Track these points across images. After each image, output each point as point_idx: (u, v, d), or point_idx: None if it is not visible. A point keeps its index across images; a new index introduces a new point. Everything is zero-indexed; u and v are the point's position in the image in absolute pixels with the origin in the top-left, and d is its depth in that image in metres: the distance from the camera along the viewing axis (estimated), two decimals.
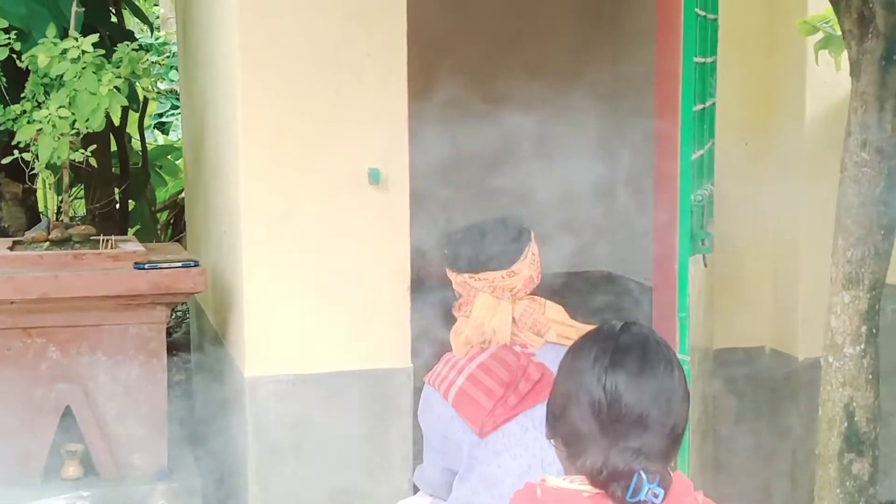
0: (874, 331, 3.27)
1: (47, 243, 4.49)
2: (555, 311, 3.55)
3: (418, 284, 4.29)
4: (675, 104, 3.44)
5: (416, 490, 3.89)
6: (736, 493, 4.13)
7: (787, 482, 4.34)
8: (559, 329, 3.45)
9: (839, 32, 3.34)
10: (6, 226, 5.38)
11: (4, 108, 4.46)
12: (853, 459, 3.27)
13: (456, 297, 3.60)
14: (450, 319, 3.67)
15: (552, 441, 2.22)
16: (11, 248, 4.48)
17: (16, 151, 4.45)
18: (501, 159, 5.77)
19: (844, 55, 3.34)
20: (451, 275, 3.57)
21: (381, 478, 4.17)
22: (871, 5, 3.18)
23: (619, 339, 2.21)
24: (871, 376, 3.27)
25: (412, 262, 4.26)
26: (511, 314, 3.47)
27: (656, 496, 2.04)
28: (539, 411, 2.30)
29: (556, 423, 2.18)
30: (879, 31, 3.17)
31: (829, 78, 3.96)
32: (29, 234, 4.70)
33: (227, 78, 4.27)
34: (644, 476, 2.04)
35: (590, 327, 2.59)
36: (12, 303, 4.15)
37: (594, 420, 2.11)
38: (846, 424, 3.26)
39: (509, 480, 3.24)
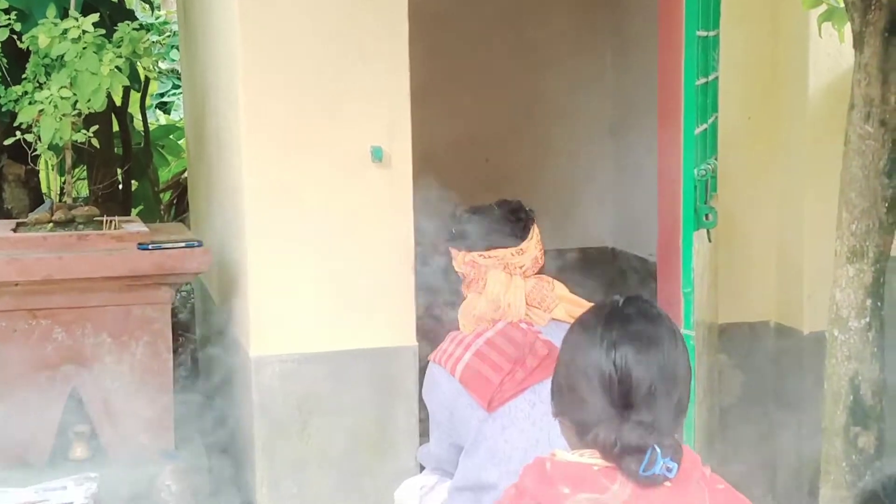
0: (879, 304, 3.28)
1: (51, 225, 4.49)
2: (558, 288, 3.58)
3: (422, 263, 4.30)
4: (677, 78, 3.43)
5: (422, 469, 3.91)
6: (742, 467, 4.14)
7: (793, 456, 4.35)
8: (567, 307, 3.47)
9: (842, 4, 3.34)
10: (9, 207, 5.39)
11: (6, 89, 4.47)
12: (859, 433, 3.28)
13: (461, 277, 3.62)
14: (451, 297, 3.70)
15: (559, 418, 2.23)
16: (15, 230, 4.49)
17: (18, 133, 4.46)
18: (503, 136, 5.75)
19: (847, 27, 3.33)
20: (458, 254, 3.59)
21: (387, 456, 4.18)
22: None
23: (625, 313, 2.21)
24: (876, 350, 3.28)
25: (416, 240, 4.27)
26: (524, 291, 3.50)
27: (669, 470, 2.05)
28: (546, 386, 2.30)
29: (564, 400, 2.18)
30: (883, 2, 3.17)
31: (833, 50, 3.96)
32: (32, 216, 4.70)
33: (228, 57, 4.27)
34: (658, 450, 2.05)
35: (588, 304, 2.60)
36: (17, 284, 4.16)
37: (605, 395, 2.11)
38: (852, 398, 3.27)
39: (517, 455, 3.26)
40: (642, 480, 2.06)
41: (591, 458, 2.13)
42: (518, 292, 3.47)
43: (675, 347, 2.18)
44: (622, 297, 2.28)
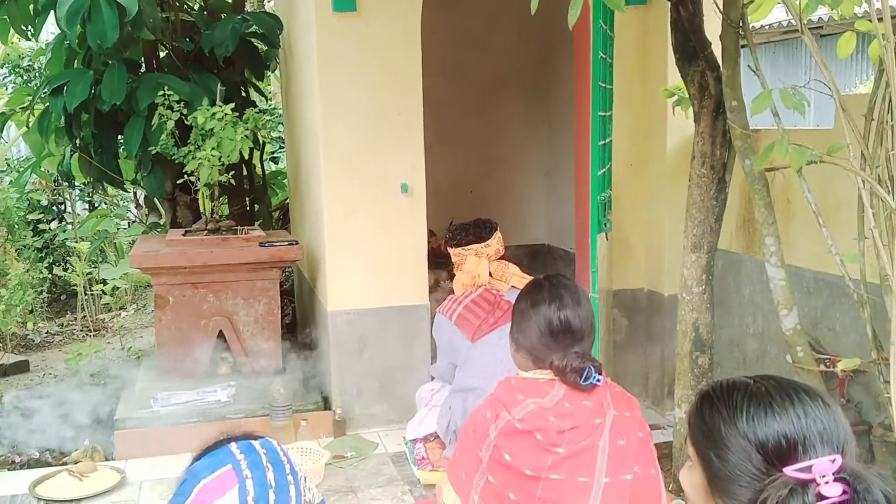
0: (710, 277, 3.28)
1: (206, 231, 4.50)
2: (514, 268, 3.61)
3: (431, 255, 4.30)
4: (587, 142, 3.44)
5: (432, 378, 3.91)
6: (626, 378, 4.14)
7: (658, 371, 4.36)
8: (518, 280, 3.49)
9: (687, 95, 3.33)
10: (181, 221, 5.39)
11: (178, 149, 4.47)
12: (698, 356, 3.28)
13: (452, 264, 3.67)
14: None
15: (515, 351, 2.22)
16: (184, 235, 4.49)
17: (186, 175, 4.46)
18: (479, 177, 5.75)
19: (690, 110, 3.33)
20: (450, 249, 3.65)
21: (411, 370, 4.18)
22: (706, 79, 3.17)
23: (558, 284, 2.21)
24: (708, 305, 3.29)
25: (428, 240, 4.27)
26: (488, 268, 3.53)
27: (599, 380, 2.07)
28: (507, 329, 2.30)
29: (522, 341, 2.18)
30: (711, 94, 3.17)
31: (682, 123, 3.96)
32: (195, 226, 4.71)
33: (312, 128, 4.26)
34: (593, 368, 2.07)
35: (531, 278, 2.60)
36: (185, 268, 4.17)
37: (553, 336, 2.12)
38: (694, 334, 3.28)
39: (490, 368, 3.28)
40: (582, 388, 2.06)
41: (539, 374, 2.13)
42: (483, 269, 3.53)
43: (588, 304, 2.19)
44: (552, 275, 2.28)
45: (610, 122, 3.59)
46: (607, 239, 3.70)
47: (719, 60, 3.08)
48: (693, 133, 3.28)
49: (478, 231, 3.60)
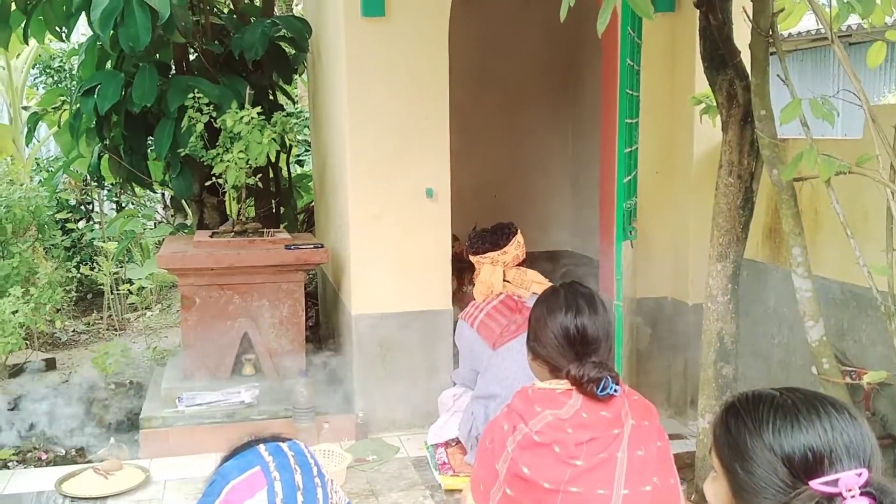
0: (735, 287, 3.26)
1: (233, 233, 4.54)
2: (533, 274, 3.62)
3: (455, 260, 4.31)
4: (613, 149, 3.43)
5: (454, 384, 3.91)
6: (649, 387, 4.12)
7: (681, 381, 4.33)
8: (537, 287, 3.49)
9: (715, 104, 3.32)
10: (208, 223, 5.44)
11: (207, 151, 4.51)
12: (723, 366, 3.26)
13: (474, 269, 3.67)
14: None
15: (532, 360, 2.20)
16: (211, 237, 4.53)
17: (213, 178, 4.50)
18: (503, 182, 5.75)
19: (718, 118, 3.32)
20: (470, 256, 3.65)
21: (433, 375, 4.19)
22: (734, 87, 3.16)
23: (575, 292, 2.19)
24: (733, 315, 3.27)
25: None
26: (502, 277, 3.54)
27: (616, 391, 2.05)
28: None
29: (539, 350, 2.16)
30: (740, 103, 3.16)
31: (709, 131, 3.94)
32: (222, 228, 4.75)
33: (339, 132, 4.29)
34: (610, 378, 2.05)
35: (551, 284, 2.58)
36: (212, 269, 4.20)
37: (569, 347, 2.10)
38: (718, 344, 3.26)
39: (511, 376, 3.27)
40: (600, 398, 2.04)
41: (555, 384, 2.12)
42: (497, 278, 3.53)
43: (605, 312, 2.17)
44: (568, 282, 2.26)
45: (636, 130, 3.58)
46: (632, 247, 3.69)
47: (748, 69, 3.07)
48: (720, 142, 3.26)
49: (494, 238, 3.59)
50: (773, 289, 3.80)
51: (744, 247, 3.26)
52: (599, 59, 3.94)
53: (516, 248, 3.58)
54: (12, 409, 4.23)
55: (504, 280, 3.56)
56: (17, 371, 4.79)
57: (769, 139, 2.96)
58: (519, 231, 3.64)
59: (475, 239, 3.65)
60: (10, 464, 4.01)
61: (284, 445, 1.37)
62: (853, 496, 1.15)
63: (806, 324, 2.95)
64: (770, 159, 2.98)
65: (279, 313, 4.28)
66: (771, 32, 2.93)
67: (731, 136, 3.18)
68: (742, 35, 3.11)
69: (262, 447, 1.35)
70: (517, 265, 3.60)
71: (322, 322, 5.59)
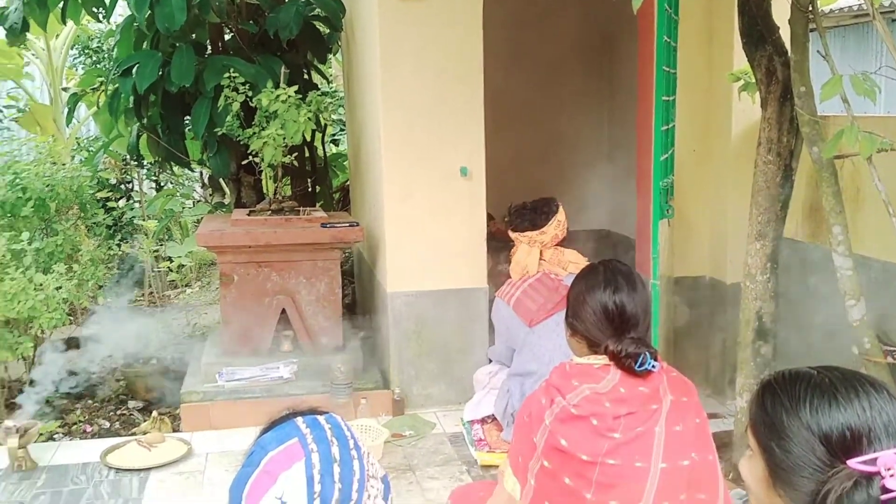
0: (775, 266, 3.24)
1: (269, 212, 4.57)
2: (570, 254, 3.60)
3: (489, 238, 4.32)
4: (650, 127, 3.40)
5: (489, 361, 3.93)
6: (687, 366, 4.11)
7: (719, 360, 4.32)
8: (573, 268, 3.48)
9: (753, 80, 3.28)
10: (245, 201, 5.49)
11: (243, 130, 4.54)
12: (761, 345, 3.25)
13: (509, 247, 3.67)
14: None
15: (570, 336, 2.22)
16: (248, 215, 4.57)
17: (250, 156, 4.54)
18: (538, 158, 5.71)
19: (757, 95, 3.28)
20: (510, 233, 3.64)
21: (468, 353, 4.21)
22: (773, 63, 3.12)
23: (614, 270, 2.20)
24: (772, 294, 3.25)
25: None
26: (538, 258, 3.53)
27: (654, 366, 2.06)
28: (564, 314, 2.30)
29: (578, 326, 2.17)
30: (779, 80, 3.12)
31: (747, 108, 3.90)
32: (259, 206, 4.80)
33: (373, 111, 4.30)
34: (648, 354, 2.06)
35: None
36: (250, 247, 4.25)
37: (608, 323, 2.11)
38: (757, 323, 3.24)
39: (547, 353, 3.28)
40: (638, 373, 2.06)
41: (593, 360, 2.13)
42: (533, 259, 3.52)
43: (644, 289, 2.18)
44: (607, 259, 2.27)
45: (673, 107, 3.55)
46: (669, 225, 3.67)
47: (787, 45, 3.02)
48: (759, 119, 3.22)
49: (534, 218, 3.57)
50: (813, 267, 3.76)
51: (783, 225, 3.23)
52: (635, 35, 3.89)
53: (556, 227, 3.56)
54: (60, 382, 4.32)
55: (540, 259, 3.55)
56: (74, 343, 4.90)
57: (809, 116, 2.92)
58: (561, 209, 3.61)
59: (514, 215, 3.63)
60: (56, 436, 4.12)
61: (322, 418, 1.39)
62: (892, 475, 1.15)
63: (846, 303, 2.92)
64: (810, 136, 2.94)
65: (316, 290, 4.32)
66: (811, 8, 2.88)
67: (770, 113, 3.14)
68: (781, 11, 3.06)
69: (299, 420, 1.38)
70: (556, 245, 3.59)
71: (358, 300, 5.63)
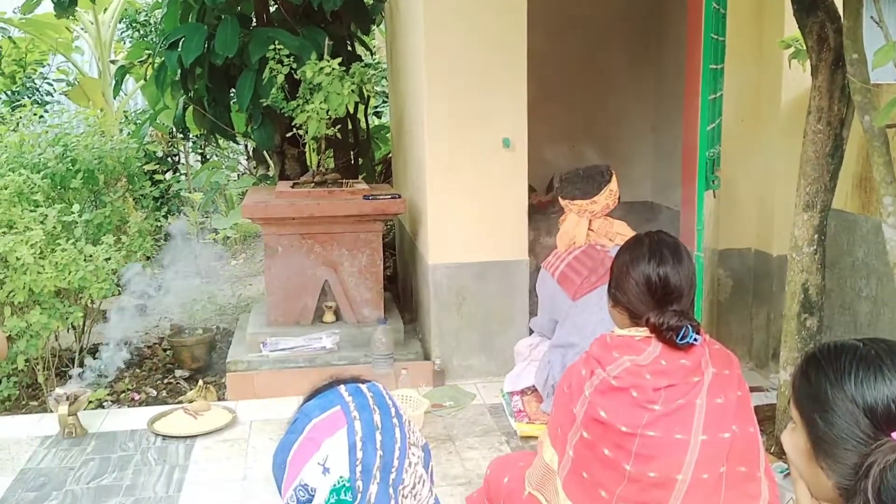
0: (822, 238, 3.18)
1: (312, 184, 4.61)
2: (619, 225, 3.56)
3: (531, 210, 4.29)
4: (697, 95, 3.35)
5: (531, 332, 3.93)
6: (730, 339, 4.07)
7: (763, 333, 4.26)
8: (620, 240, 3.44)
9: (804, 48, 3.20)
10: (289, 174, 5.54)
11: (287, 102, 4.57)
12: (807, 318, 3.20)
13: (550, 220, 3.63)
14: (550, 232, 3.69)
15: (613, 308, 2.21)
16: (292, 187, 4.61)
17: (294, 129, 4.57)
18: (581, 131, 5.65)
19: (807, 62, 3.20)
20: (560, 200, 3.62)
21: (509, 324, 4.22)
22: (825, 30, 3.03)
23: (659, 241, 2.18)
24: (819, 266, 3.18)
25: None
26: (586, 229, 3.49)
27: (696, 339, 2.04)
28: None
29: (620, 297, 2.16)
30: (831, 47, 3.03)
31: (798, 77, 3.81)
32: (302, 179, 4.83)
33: (417, 83, 4.29)
34: (690, 327, 2.04)
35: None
36: (294, 219, 4.29)
37: (650, 295, 2.09)
38: (803, 296, 3.19)
39: (590, 326, 3.27)
40: (679, 346, 2.04)
41: (634, 332, 2.12)
42: (581, 230, 3.47)
43: (690, 262, 2.15)
44: (653, 231, 2.25)
45: (721, 76, 3.48)
46: (714, 196, 3.62)
47: (840, 11, 2.94)
48: (809, 87, 3.14)
49: (586, 186, 3.52)
50: (862, 239, 3.67)
51: (832, 196, 3.16)
52: (683, 2, 3.81)
53: (607, 197, 3.51)
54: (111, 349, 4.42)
55: (589, 229, 3.52)
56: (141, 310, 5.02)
57: (861, 84, 2.84)
58: (614, 177, 3.56)
59: (565, 182, 3.58)
60: (104, 403, 4.23)
61: (364, 387, 1.41)
62: None
63: None
64: (862, 105, 2.86)
65: (358, 262, 4.35)
66: None
67: (820, 81, 3.07)
68: None
69: (342, 388, 1.40)
70: (606, 215, 3.55)
71: (399, 271, 5.66)
